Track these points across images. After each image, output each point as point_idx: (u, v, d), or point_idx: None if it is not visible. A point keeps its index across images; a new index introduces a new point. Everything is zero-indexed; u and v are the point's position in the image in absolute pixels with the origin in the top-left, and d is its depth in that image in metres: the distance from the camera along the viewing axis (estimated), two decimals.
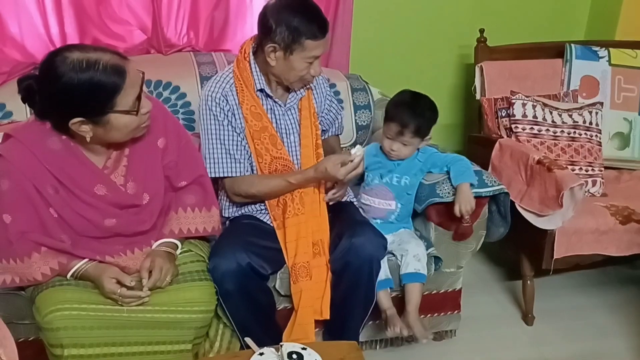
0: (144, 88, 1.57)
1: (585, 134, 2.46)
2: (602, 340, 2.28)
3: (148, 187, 1.69)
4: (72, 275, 1.61)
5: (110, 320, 1.55)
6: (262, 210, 1.98)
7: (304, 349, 1.40)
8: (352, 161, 1.80)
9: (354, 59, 2.66)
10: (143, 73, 1.56)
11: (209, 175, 1.88)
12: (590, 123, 2.48)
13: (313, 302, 1.86)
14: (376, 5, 2.73)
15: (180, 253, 1.75)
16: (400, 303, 2.01)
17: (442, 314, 2.15)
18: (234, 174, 1.91)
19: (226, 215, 2.02)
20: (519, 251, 2.39)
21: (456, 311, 2.18)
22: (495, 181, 2.03)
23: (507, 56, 2.68)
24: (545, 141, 2.41)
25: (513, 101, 2.46)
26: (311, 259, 1.87)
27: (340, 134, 2.26)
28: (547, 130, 2.43)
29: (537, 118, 2.44)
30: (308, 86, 1.99)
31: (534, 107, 2.44)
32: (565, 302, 2.47)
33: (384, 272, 1.93)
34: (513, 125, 2.45)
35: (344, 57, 2.64)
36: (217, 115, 1.88)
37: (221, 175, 1.91)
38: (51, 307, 1.51)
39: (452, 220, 2.03)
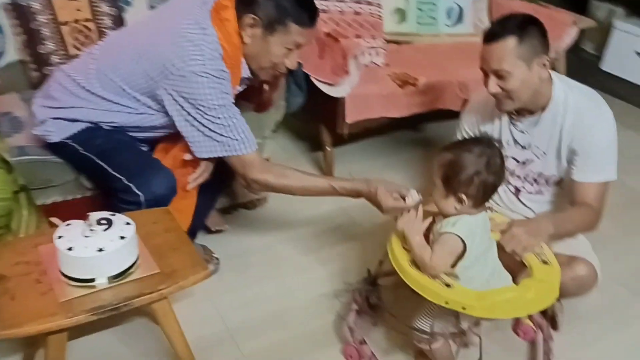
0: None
1: (368, 9, 2.68)
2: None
3: None
4: None
5: None
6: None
7: (112, 215, 1.42)
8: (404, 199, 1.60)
9: None
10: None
11: (230, 153, 1.66)
12: None
13: None
14: None
15: None
16: None
17: None
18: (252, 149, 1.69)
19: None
20: (318, 123, 2.61)
21: None
22: None
23: None
24: (333, 16, 2.59)
25: None
26: None
27: None
28: (335, 5, 2.61)
29: None
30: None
31: None
32: (363, 165, 2.78)
33: None
34: None
35: None
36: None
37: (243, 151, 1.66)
38: None
39: (251, 93, 2.13)
